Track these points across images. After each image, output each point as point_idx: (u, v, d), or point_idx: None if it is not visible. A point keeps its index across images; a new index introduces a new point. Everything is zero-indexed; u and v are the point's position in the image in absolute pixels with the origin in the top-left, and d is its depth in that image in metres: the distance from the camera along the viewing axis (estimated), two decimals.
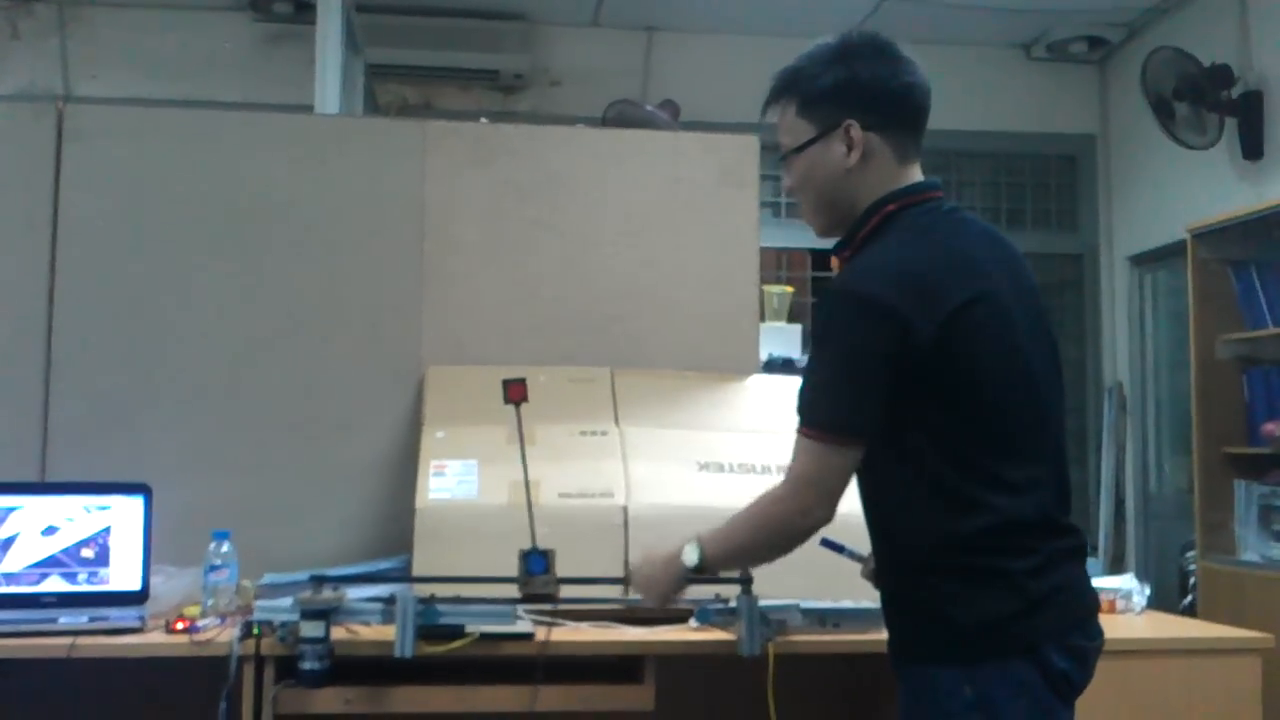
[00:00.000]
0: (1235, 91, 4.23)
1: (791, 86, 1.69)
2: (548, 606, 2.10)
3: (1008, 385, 1.57)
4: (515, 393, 2.11)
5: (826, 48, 1.69)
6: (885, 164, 1.66)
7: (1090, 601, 1.63)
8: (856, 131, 1.64)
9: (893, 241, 1.62)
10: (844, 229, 1.70)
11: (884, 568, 1.70)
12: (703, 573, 1.76)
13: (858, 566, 1.99)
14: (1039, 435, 1.60)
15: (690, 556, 1.74)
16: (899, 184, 1.66)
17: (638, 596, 1.91)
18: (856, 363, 1.55)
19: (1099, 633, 1.62)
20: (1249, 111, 4.19)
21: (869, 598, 1.85)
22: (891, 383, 1.53)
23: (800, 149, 1.68)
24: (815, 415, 1.57)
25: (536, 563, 2.05)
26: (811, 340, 1.63)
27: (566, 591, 2.17)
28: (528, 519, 2.09)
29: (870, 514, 1.68)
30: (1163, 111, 4.28)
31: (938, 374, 1.53)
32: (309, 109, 3.47)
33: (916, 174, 1.69)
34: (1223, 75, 4.22)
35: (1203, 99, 4.24)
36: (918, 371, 1.52)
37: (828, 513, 1.59)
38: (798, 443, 1.59)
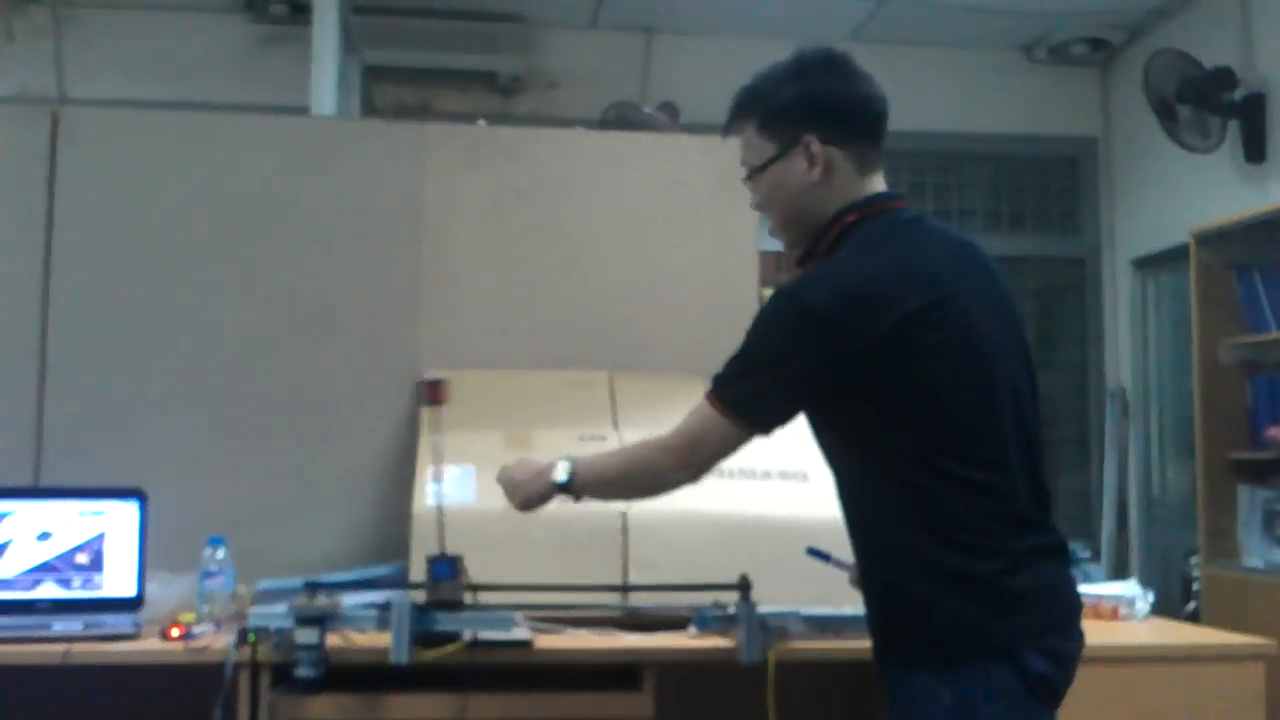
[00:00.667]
0: (1238, 94, 4.22)
1: (750, 106, 1.74)
2: (459, 614, 2.05)
3: (967, 388, 1.58)
4: (434, 395, 2.10)
5: (781, 66, 1.72)
6: (847, 176, 1.69)
7: (1071, 603, 1.63)
8: (816, 146, 1.67)
9: (845, 254, 1.65)
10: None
11: (864, 574, 1.71)
12: (568, 492, 1.81)
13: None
14: (1005, 437, 1.60)
15: (560, 474, 1.80)
16: (861, 194, 1.69)
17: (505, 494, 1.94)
18: (778, 365, 1.61)
19: (1079, 634, 1.62)
20: (1251, 114, 4.18)
21: None
22: (815, 390, 1.61)
23: (763, 167, 1.72)
24: (726, 390, 1.64)
25: (442, 569, 2.03)
26: (752, 321, 1.67)
27: (568, 598, 2.16)
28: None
29: (849, 521, 1.70)
30: (1165, 114, 4.27)
31: (889, 380, 1.56)
32: (305, 111, 3.47)
33: (879, 184, 1.72)
34: (1225, 78, 4.21)
35: (1205, 102, 4.23)
36: (867, 379, 1.56)
37: (696, 476, 1.70)
38: (700, 404, 1.66)
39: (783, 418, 1.65)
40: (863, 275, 1.59)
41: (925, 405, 1.56)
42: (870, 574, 1.68)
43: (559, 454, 1.85)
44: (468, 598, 2.07)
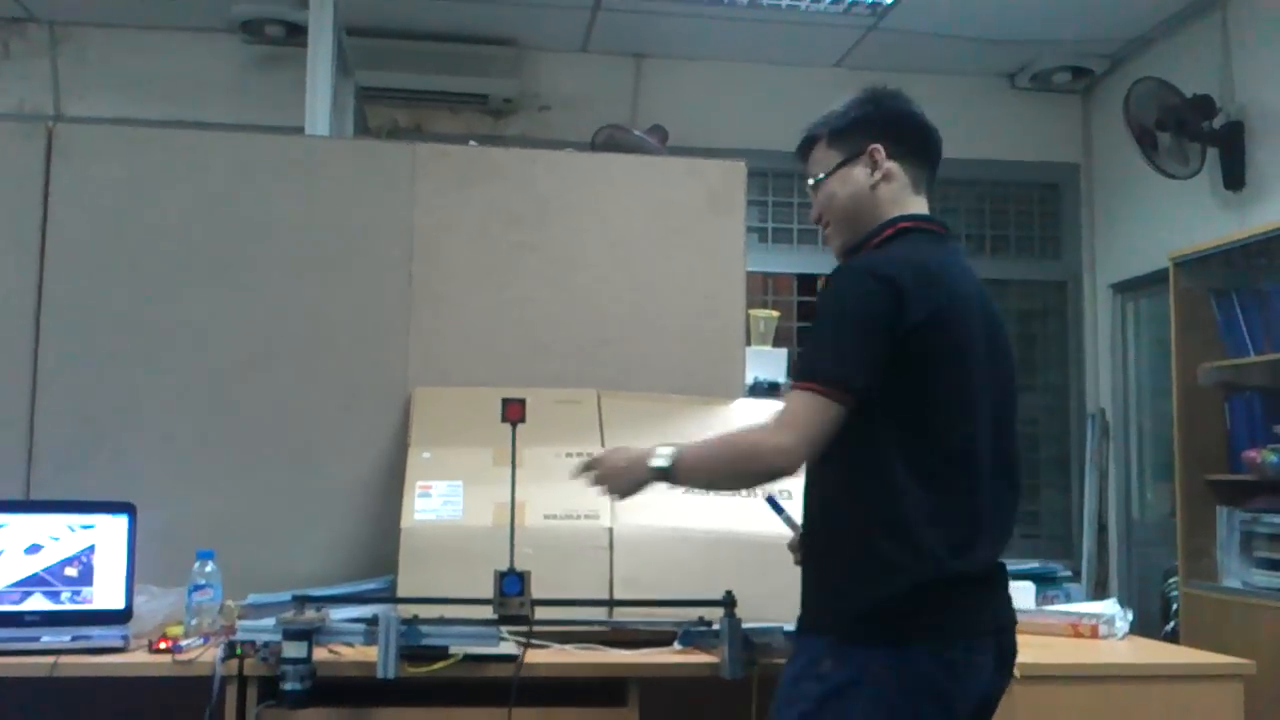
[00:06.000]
0: (1217, 122, 4.28)
1: (821, 125, 1.89)
2: (523, 628, 2.10)
3: (958, 397, 1.70)
4: (513, 413, 2.13)
5: (852, 97, 1.89)
6: (902, 189, 1.84)
7: (985, 624, 1.71)
8: (880, 155, 1.82)
9: (901, 246, 1.78)
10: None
11: (810, 541, 1.81)
12: (667, 478, 1.78)
13: None
14: (979, 458, 1.71)
15: (660, 460, 1.77)
16: (914, 210, 1.84)
17: (595, 482, 1.90)
18: (858, 323, 1.66)
19: (986, 649, 1.69)
20: (1231, 142, 4.24)
21: None
22: (887, 350, 1.65)
23: (828, 174, 1.86)
24: (812, 369, 1.67)
25: (512, 584, 2.06)
26: (822, 301, 1.74)
27: (551, 613, 2.17)
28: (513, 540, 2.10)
29: (811, 486, 1.79)
30: (1145, 141, 4.32)
31: (913, 359, 1.65)
32: (299, 131, 3.49)
33: (926, 206, 1.86)
34: (1205, 106, 4.28)
35: (1185, 129, 4.28)
36: (899, 351, 1.65)
37: (801, 457, 1.65)
38: (789, 394, 1.68)
39: (872, 377, 1.65)
40: (914, 261, 1.72)
41: (920, 402, 1.67)
42: (815, 543, 1.78)
43: (663, 444, 1.80)
44: (453, 611, 2.09)
